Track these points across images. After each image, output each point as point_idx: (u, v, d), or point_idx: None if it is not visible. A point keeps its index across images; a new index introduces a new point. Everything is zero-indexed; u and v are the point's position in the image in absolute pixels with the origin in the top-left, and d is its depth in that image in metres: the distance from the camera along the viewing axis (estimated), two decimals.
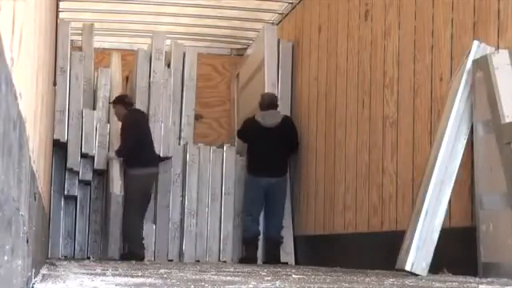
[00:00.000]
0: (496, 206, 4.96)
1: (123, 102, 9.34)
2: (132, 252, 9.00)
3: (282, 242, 9.19)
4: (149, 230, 9.49)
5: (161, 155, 9.57)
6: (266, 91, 9.50)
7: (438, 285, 3.98)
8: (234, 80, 11.29)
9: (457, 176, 5.30)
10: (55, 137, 9.28)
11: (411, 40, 6.58)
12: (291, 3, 9.83)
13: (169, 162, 9.67)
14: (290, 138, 9.23)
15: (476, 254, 5.06)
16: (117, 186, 9.28)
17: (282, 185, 9.20)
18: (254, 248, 9.22)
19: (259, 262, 9.26)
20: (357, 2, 7.83)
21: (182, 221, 9.65)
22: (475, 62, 5.28)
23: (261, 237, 9.31)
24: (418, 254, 5.20)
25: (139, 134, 9.20)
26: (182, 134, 9.92)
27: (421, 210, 5.26)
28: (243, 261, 9.19)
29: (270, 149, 9.11)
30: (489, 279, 4.66)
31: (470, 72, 5.30)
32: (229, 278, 4.52)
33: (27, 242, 2.52)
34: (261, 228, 9.33)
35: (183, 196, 9.65)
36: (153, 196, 9.63)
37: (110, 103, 9.52)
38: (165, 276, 4.58)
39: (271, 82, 9.59)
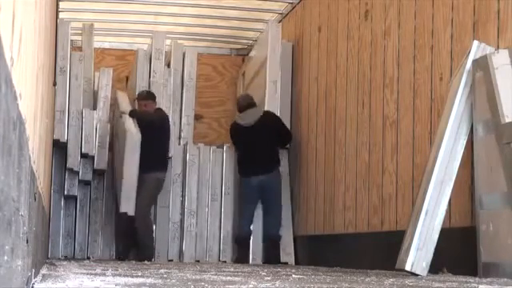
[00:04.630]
0: (496, 205, 4.96)
1: (154, 98, 9.50)
2: (148, 251, 9.14)
3: (279, 240, 9.12)
4: None
5: None
6: (266, 89, 9.46)
7: (437, 285, 3.98)
8: (240, 79, 11.26)
9: (457, 176, 5.30)
10: (55, 137, 9.28)
11: (411, 40, 6.58)
12: (291, 3, 9.83)
13: (169, 162, 9.67)
14: (273, 131, 9.13)
15: (476, 254, 5.06)
16: (132, 128, 9.12)
17: (273, 180, 9.12)
18: (245, 249, 9.21)
19: (259, 261, 9.24)
20: (357, 2, 7.83)
21: (182, 221, 9.65)
22: (475, 62, 5.28)
23: (256, 236, 9.28)
24: (418, 254, 5.20)
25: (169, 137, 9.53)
26: (182, 134, 9.92)
27: (421, 210, 5.26)
28: (236, 261, 9.19)
29: (254, 147, 9.09)
30: (489, 279, 4.66)
31: (470, 72, 5.30)
32: (229, 278, 4.52)
33: (27, 242, 2.52)
34: (260, 228, 9.30)
35: (183, 196, 9.65)
36: None
37: (143, 97, 9.43)
38: (165, 276, 4.58)
39: (272, 79, 9.50)
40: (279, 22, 10.31)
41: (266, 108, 9.33)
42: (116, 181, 9.63)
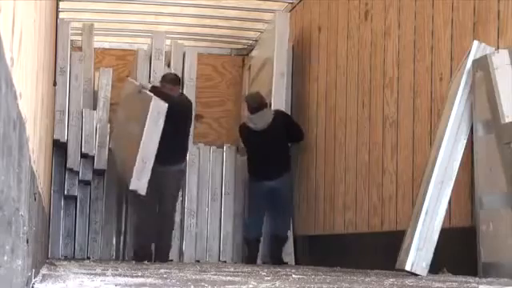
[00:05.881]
0: (496, 206, 4.97)
1: (180, 84, 8.98)
2: (168, 251, 8.70)
3: (284, 243, 8.98)
4: None
5: None
6: (273, 81, 9.13)
7: (437, 285, 3.98)
8: (246, 73, 11.15)
9: (457, 176, 5.30)
10: (55, 137, 9.27)
11: (411, 40, 6.58)
12: (291, 3, 9.82)
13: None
14: (287, 132, 8.92)
15: (476, 254, 5.06)
16: (157, 98, 8.30)
17: (284, 184, 8.94)
18: (254, 249, 9.03)
19: (259, 261, 9.21)
20: (357, 2, 7.83)
21: (182, 221, 9.65)
22: (475, 62, 5.28)
23: (263, 237, 9.18)
24: (418, 254, 5.20)
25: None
26: None
27: (421, 210, 5.26)
28: (246, 261, 9.07)
29: (266, 151, 8.86)
30: (489, 279, 4.66)
31: (470, 72, 5.30)
32: (229, 278, 4.52)
33: (27, 242, 2.52)
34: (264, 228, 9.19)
35: (183, 196, 9.65)
36: None
37: (170, 80, 8.76)
38: (165, 276, 4.58)
39: (280, 71, 9.20)
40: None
41: (272, 102, 9.01)
42: (123, 163, 8.85)
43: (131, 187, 8.12)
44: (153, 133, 8.08)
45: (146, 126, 8.06)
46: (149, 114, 8.10)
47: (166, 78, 8.84)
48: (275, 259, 8.85)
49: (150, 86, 8.73)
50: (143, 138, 8.06)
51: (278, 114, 8.93)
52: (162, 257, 8.50)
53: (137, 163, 8.06)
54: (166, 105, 8.15)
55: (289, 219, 9.06)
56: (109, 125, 9.67)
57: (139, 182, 8.06)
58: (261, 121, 8.88)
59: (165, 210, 8.61)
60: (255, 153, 9.08)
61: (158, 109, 8.17)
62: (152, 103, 8.15)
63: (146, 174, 8.07)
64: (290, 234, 9.07)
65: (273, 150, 8.88)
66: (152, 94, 8.36)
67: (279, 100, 9.15)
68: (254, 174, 9.10)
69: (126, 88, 9.42)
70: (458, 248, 5.54)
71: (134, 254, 8.71)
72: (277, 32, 9.33)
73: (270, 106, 9.06)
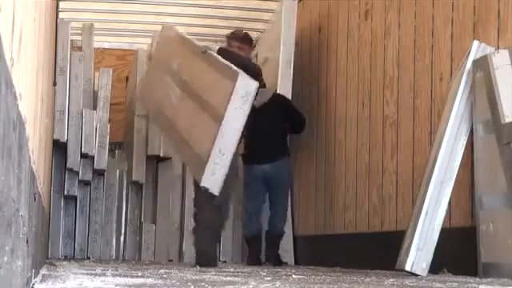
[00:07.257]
0: (496, 206, 4.97)
1: (251, 45, 7.67)
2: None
3: (280, 238, 8.50)
4: (149, 229, 9.50)
5: (161, 155, 9.57)
6: (279, 69, 8.76)
7: (437, 285, 3.98)
8: (254, 61, 10.98)
9: (457, 176, 5.30)
10: (55, 137, 9.26)
11: (411, 40, 6.58)
12: None
13: (169, 162, 9.65)
14: (283, 115, 8.45)
15: (476, 253, 5.06)
16: (242, 71, 6.52)
17: (280, 170, 8.37)
18: (255, 247, 8.51)
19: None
20: (357, 2, 7.83)
21: (181, 221, 9.64)
22: (475, 62, 5.28)
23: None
24: (418, 254, 5.20)
25: None
26: None
27: (421, 210, 5.26)
28: (248, 263, 8.69)
29: (260, 131, 8.21)
30: (489, 279, 4.66)
31: (470, 72, 5.30)
32: (229, 278, 4.52)
33: (27, 242, 2.52)
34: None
35: (183, 196, 9.65)
36: (152, 196, 9.64)
37: (240, 38, 7.53)
38: (165, 276, 4.58)
39: (286, 59, 8.86)
40: None
41: (278, 91, 8.66)
42: (182, 143, 7.21)
43: (202, 184, 6.46)
44: (236, 119, 6.41)
45: (228, 110, 6.36)
46: (233, 94, 6.38)
47: (234, 35, 7.57)
48: (273, 259, 8.39)
49: (214, 47, 7.33)
50: (222, 124, 6.36)
51: (277, 95, 8.50)
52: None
53: (211, 155, 6.35)
54: (256, 83, 6.47)
55: (285, 212, 8.56)
56: (109, 125, 9.67)
57: (213, 179, 6.42)
58: (257, 97, 8.39)
59: (217, 202, 6.89)
60: (248, 133, 8.15)
61: (245, 88, 6.46)
62: (238, 81, 6.39)
63: (223, 170, 6.39)
64: (286, 229, 8.61)
65: (267, 131, 8.34)
66: (237, 69, 6.55)
67: (285, 89, 8.68)
68: (246, 158, 8.52)
69: (168, 40, 8.07)
70: (458, 248, 5.54)
71: (197, 262, 7.21)
72: (283, 18, 8.93)
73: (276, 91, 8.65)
